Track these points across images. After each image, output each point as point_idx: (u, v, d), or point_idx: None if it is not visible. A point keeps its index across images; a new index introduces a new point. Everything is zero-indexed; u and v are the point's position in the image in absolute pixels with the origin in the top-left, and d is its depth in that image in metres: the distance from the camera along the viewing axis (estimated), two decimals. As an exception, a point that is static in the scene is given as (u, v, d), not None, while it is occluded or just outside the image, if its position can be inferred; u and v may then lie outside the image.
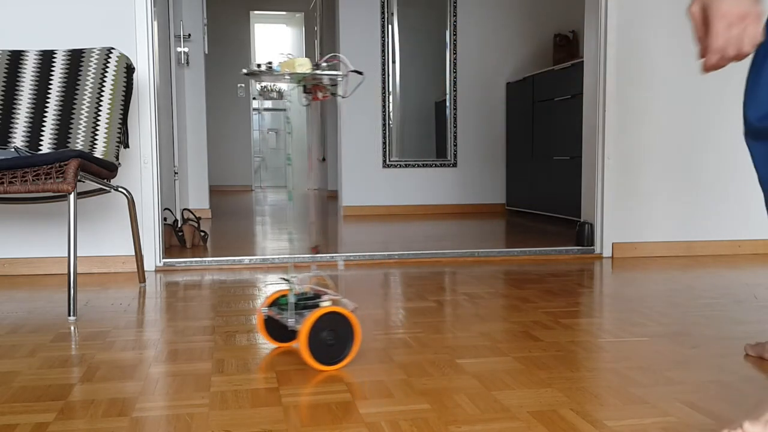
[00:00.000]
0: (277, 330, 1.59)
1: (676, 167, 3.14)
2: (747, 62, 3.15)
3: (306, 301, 1.49)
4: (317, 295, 1.52)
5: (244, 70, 1.39)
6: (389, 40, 5.18)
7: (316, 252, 1.51)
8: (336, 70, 1.41)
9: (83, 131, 2.33)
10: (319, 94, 1.47)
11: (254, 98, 9.44)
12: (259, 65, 1.37)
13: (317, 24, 7.98)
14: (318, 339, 1.40)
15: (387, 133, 5.22)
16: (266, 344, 1.62)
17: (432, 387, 1.30)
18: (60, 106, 2.38)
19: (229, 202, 6.67)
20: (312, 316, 1.39)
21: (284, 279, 1.51)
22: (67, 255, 2.66)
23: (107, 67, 2.42)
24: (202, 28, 4.78)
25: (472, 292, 2.24)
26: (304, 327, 1.38)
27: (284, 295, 1.54)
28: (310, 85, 1.47)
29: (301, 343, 1.39)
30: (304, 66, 1.38)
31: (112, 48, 2.46)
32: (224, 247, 3.21)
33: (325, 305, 1.43)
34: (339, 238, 3.56)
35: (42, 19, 2.60)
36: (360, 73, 1.41)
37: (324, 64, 1.41)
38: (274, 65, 1.39)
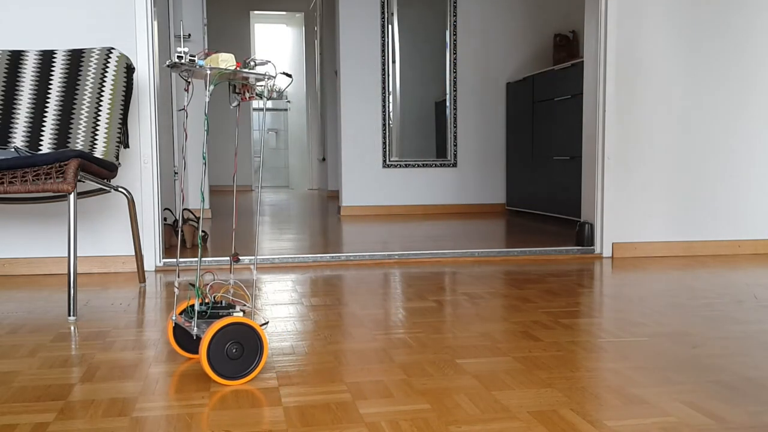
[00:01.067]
0: (187, 339, 1.51)
1: (676, 167, 3.14)
2: (748, 63, 3.16)
3: (217, 311, 1.41)
4: (231, 305, 1.44)
5: (167, 62, 1.32)
6: (389, 40, 5.18)
7: (236, 260, 1.46)
8: (265, 70, 1.37)
9: (83, 131, 2.33)
10: (246, 95, 1.41)
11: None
12: (180, 56, 1.29)
13: (317, 24, 7.98)
14: (220, 351, 1.31)
15: (387, 133, 5.22)
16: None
17: (432, 387, 1.30)
18: (60, 106, 2.38)
19: (229, 202, 6.67)
20: (214, 326, 1.29)
21: (192, 285, 1.44)
22: (67, 255, 2.66)
23: (107, 67, 2.42)
24: (202, 28, 4.78)
25: (472, 292, 2.24)
26: (205, 337, 1.29)
27: (204, 303, 1.45)
28: (239, 85, 1.40)
29: (201, 354, 1.30)
30: (227, 62, 1.32)
31: (112, 48, 2.46)
32: (224, 247, 3.21)
33: (236, 316, 1.34)
34: (339, 238, 3.56)
35: (42, 19, 2.60)
36: (289, 75, 1.38)
37: (252, 63, 1.36)
38: (197, 59, 1.31)
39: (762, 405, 1.20)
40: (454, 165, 5.34)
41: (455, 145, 5.33)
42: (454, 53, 5.29)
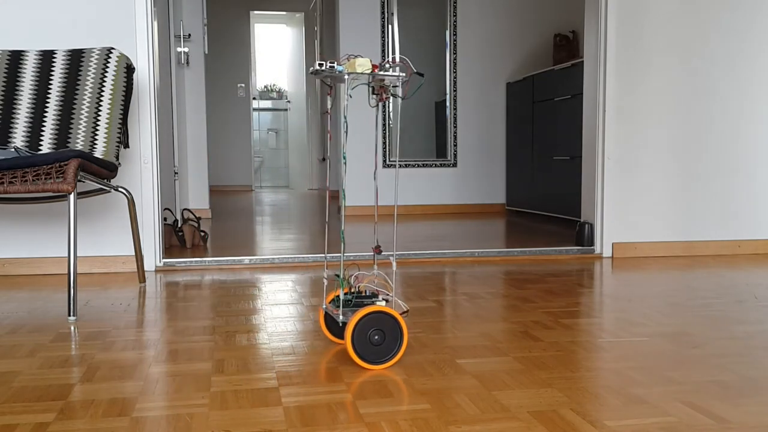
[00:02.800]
0: (335, 326, 1.62)
1: (676, 167, 3.14)
2: (748, 63, 3.16)
3: (361, 300, 1.51)
4: (374, 294, 1.54)
5: (311, 70, 1.43)
6: (389, 40, 5.18)
7: (378, 252, 1.53)
8: (399, 71, 1.44)
9: (83, 131, 2.33)
10: (383, 95, 1.50)
11: (254, 98, 9.44)
12: (321, 64, 1.42)
13: (317, 24, 7.98)
14: (363, 337, 1.41)
15: (387, 133, 5.22)
16: (266, 344, 1.62)
17: (432, 387, 1.30)
18: (60, 106, 2.38)
19: (229, 202, 6.67)
20: (358, 314, 1.40)
21: (337, 276, 1.53)
22: (67, 255, 2.66)
23: (107, 67, 2.42)
24: (202, 28, 4.78)
25: (472, 292, 2.24)
26: (350, 324, 1.40)
27: (350, 293, 1.56)
28: (377, 87, 1.50)
29: (346, 340, 1.41)
30: (363, 66, 1.42)
31: (112, 48, 2.46)
32: (224, 247, 3.22)
33: (380, 305, 1.45)
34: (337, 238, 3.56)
35: (42, 19, 2.60)
36: (421, 75, 1.44)
37: (388, 66, 1.45)
38: (336, 66, 1.43)
39: (762, 405, 1.20)
40: (454, 165, 5.34)
41: (455, 145, 5.33)
42: (454, 53, 5.29)
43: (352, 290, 1.54)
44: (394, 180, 5.26)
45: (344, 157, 1.47)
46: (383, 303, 1.48)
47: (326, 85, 1.50)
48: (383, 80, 1.47)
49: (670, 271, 2.70)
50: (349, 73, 1.42)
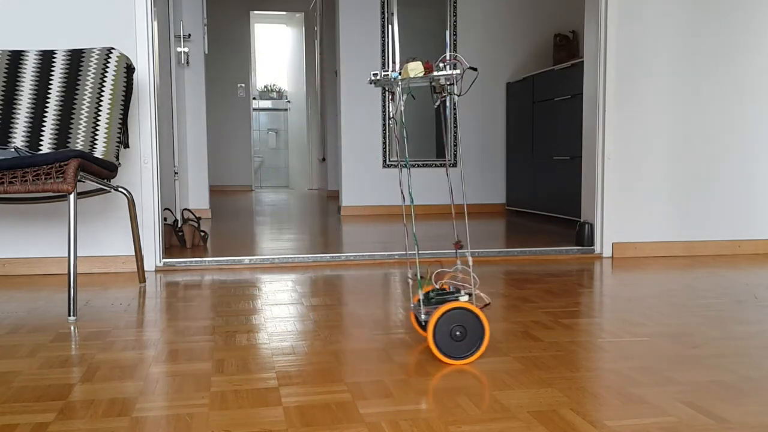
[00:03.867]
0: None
1: (676, 167, 3.14)
2: (748, 62, 3.16)
3: (445, 296, 1.52)
4: (457, 290, 1.55)
5: (368, 80, 1.49)
6: (389, 40, 5.18)
7: (459, 247, 1.55)
8: (454, 68, 1.46)
9: (83, 131, 2.33)
10: (443, 93, 1.53)
11: (254, 98, 9.44)
12: (375, 74, 1.48)
13: (317, 24, 7.98)
14: (444, 333, 1.44)
15: (387, 133, 5.22)
16: (266, 344, 1.62)
17: (432, 387, 1.30)
18: (60, 106, 2.38)
19: (229, 202, 6.67)
20: (438, 311, 1.43)
21: (421, 276, 1.55)
22: (67, 255, 2.66)
23: (107, 67, 2.42)
24: (202, 28, 4.78)
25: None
26: (431, 321, 1.43)
27: (433, 290, 1.57)
28: (437, 86, 1.53)
29: (428, 336, 1.43)
30: (415, 70, 1.45)
31: (112, 48, 2.46)
32: (224, 247, 3.22)
33: (462, 300, 1.47)
34: (341, 238, 3.56)
35: (42, 19, 2.60)
36: (475, 69, 1.46)
37: (441, 65, 1.47)
38: (391, 73, 1.48)
39: (762, 405, 1.20)
40: (454, 165, 5.34)
41: (455, 145, 5.33)
42: (454, 53, 5.28)
43: (439, 287, 1.56)
44: (391, 179, 5.25)
45: (406, 162, 1.49)
46: (465, 298, 1.50)
47: (388, 91, 1.55)
48: (439, 80, 1.49)
49: (670, 271, 2.70)
50: (402, 80, 1.46)
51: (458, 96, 1.47)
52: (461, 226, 4.21)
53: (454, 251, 1.53)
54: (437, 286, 1.57)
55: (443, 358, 1.45)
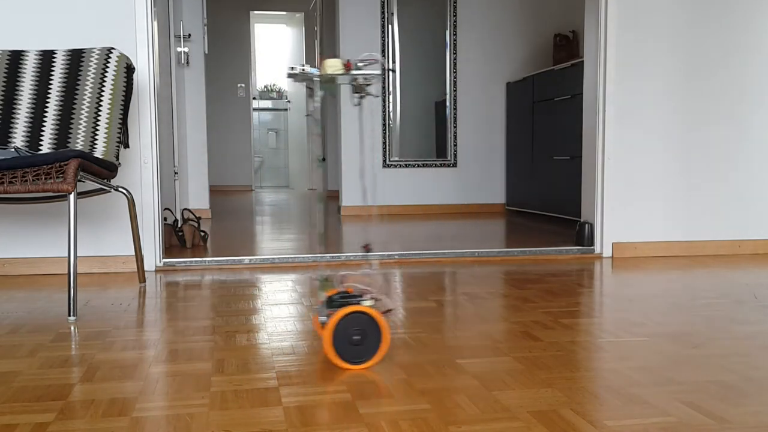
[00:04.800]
0: None
1: (675, 167, 3.14)
2: (748, 62, 3.16)
3: (348, 300, 1.50)
4: (360, 295, 1.53)
5: (287, 72, 1.47)
6: (389, 40, 5.18)
7: (368, 250, 1.53)
8: (372, 69, 1.46)
9: (83, 131, 2.33)
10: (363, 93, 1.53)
11: (254, 98, 9.44)
12: (293, 67, 1.45)
13: (317, 24, 7.98)
14: (343, 337, 1.42)
15: (387, 133, 5.22)
16: (266, 344, 1.62)
17: (432, 387, 1.30)
18: (60, 106, 2.38)
19: (229, 202, 6.67)
20: (336, 315, 1.41)
21: (324, 278, 1.52)
22: (67, 255, 2.66)
23: (107, 67, 2.42)
24: (202, 28, 4.78)
25: (472, 292, 2.24)
26: (329, 324, 1.41)
27: (338, 294, 1.55)
28: (356, 85, 1.52)
29: (324, 340, 1.41)
30: (333, 67, 1.43)
31: (112, 48, 2.46)
32: (224, 247, 3.21)
33: (365, 305, 1.45)
34: (341, 238, 3.56)
35: (42, 19, 2.60)
36: (393, 71, 1.46)
37: (360, 64, 1.46)
38: (309, 68, 1.46)
39: (762, 405, 1.20)
40: (454, 165, 5.34)
41: (455, 145, 5.33)
42: (454, 53, 5.29)
43: (341, 291, 1.52)
44: (391, 179, 5.25)
45: (322, 159, 1.48)
46: (369, 303, 1.47)
47: (308, 87, 1.53)
48: (356, 79, 1.48)
49: (670, 271, 2.70)
50: (318, 76, 1.44)
51: (375, 97, 1.47)
52: (461, 226, 4.22)
53: (368, 253, 1.51)
54: (342, 289, 1.53)
55: (340, 363, 1.41)
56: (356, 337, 1.42)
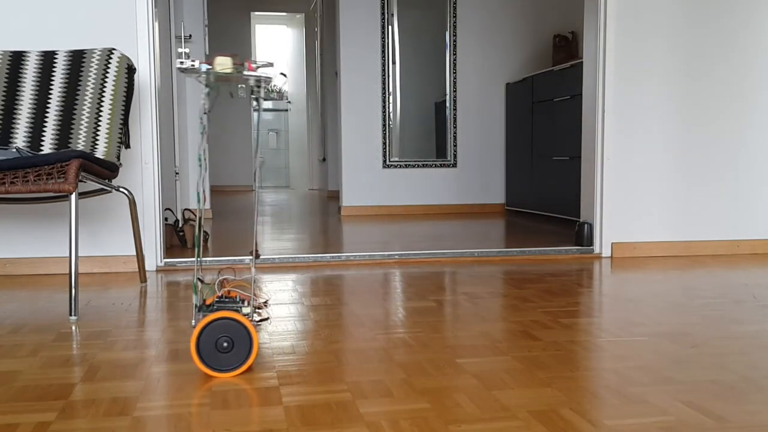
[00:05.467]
0: None
1: (675, 167, 3.14)
2: (748, 63, 3.16)
3: (225, 305, 1.45)
4: (241, 300, 1.47)
5: (177, 66, 1.42)
6: (389, 40, 5.18)
7: (257, 256, 1.49)
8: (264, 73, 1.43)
9: (84, 132, 2.34)
10: (252, 95, 1.51)
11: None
12: (182, 61, 1.40)
13: (317, 25, 7.98)
14: (210, 343, 1.37)
15: (387, 134, 5.23)
16: (267, 344, 1.62)
17: (432, 387, 1.31)
18: (61, 106, 2.39)
19: (229, 202, 6.68)
20: (203, 321, 1.36)
21: (200, 280, 1.48)
22: (68, 255, 2.67)
23: (108, 67, 2.42)
24: (202, 29, 4.78)
25: (472, 292, 2.25)
26: (195, 330, 1.36)
27: (219, 298, 1.49)
28: (248, 87, 1.49)
29: (191, 346, 1.35)
30: (222, 65, 1.41)
31: (114, 49, 2.47)
32: (225, 246, 3.22)
33: (244, 311, 1.40)
34: (339, 238, 3.57)
35: (43, 20, 2.61)
36: (284, 75, 1.45)
37: (254, 65, 1.43)
38: (199, 65, 1.41)
39: (761, 404, 1.20)
40: (454, 165, 5.35)
41: (455, 146, 5.34)
42: (454, 54, 5.29)
43: (221, 296, 1.48)
44: (392, 180, 5.26)
45: (200, 159, 1.44)
46: (248, 309, 1.42)
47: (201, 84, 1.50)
48: (248, 80, 1.45)
49: (669, 271, 2.70)
50: (205, 73, 1.41)
51: (264, 100, 1.45)
52: (460, 226, 4.22)
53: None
54: (220, 294, 1.48)
55: (205, 369, 1.37)
56: (225, 344, 1.37)
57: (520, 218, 4.77)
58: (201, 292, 1.46)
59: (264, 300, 1.49)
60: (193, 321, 1.41)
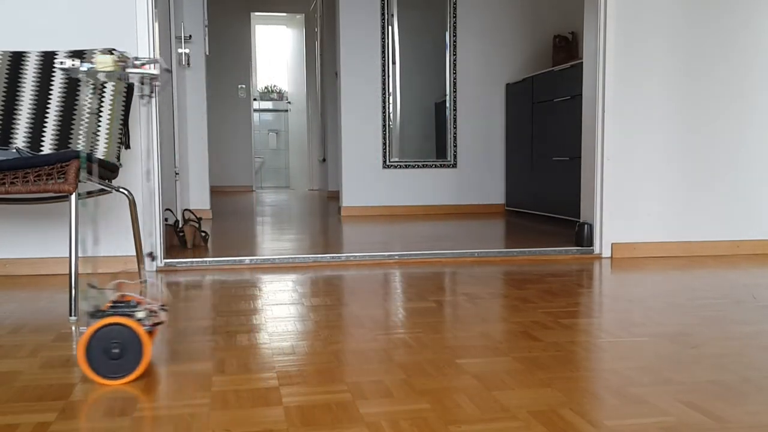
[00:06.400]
0: None
1: (674, 168, 3.14)
2: (748, 64, 3.16)
3: (119, 310, 1.41)
4: (136, 305, 1.43)
5: (58, 65, 1.42)
6: (389, 41, 5.18)
7: (152, 258, 1.46)
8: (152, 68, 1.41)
9: (84, 132, 2.34)
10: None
11: (255, 99, 9.44)
12: (62, 62, 1.40)
13: (317, 25, 7.99)
14: (99, 350, 1.33)
15: (387, 134, 5.23)
16: (267, 344, 1.62)
17: (432, 387, 1.31)
18: (61, 106, 2.39)
19: (229, 202, 6.68)
20: (91, 327, 1.33)
21: (91, 285, 1.46)
22: (68, 255, 2.67)
23: (108, 68, 2.42)
24: (202, 30, 4.78)
25: (472, 292, 2.25)
26: (83, 336, 1.33)
27: (115, 303, 1.46)
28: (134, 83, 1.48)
29: (77, 353, 1.31)
30: (103, 63, 1.39)
31: (114, 49, 2.47)
32: (225, 247, 3.22)
33: (138, 316, 1.37)
34: (340, 239, 3.57)
35: (43, 20, 2.61)
36: (168, 71, 1.44)
37: (137, 62, 1.41)
38: (81, 63, 1.40)
39: (761, 405, 1.20)
40: (454, 165, 5.35)
41: (455, 146, 5.34)
42: (454, 54, 5.30)
43: (115, 301, 1.45)
44: (392, 180, 5.26)
45: (81, 157, 1.42)
46: (142, 315, 1.39)
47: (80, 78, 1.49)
48: (127, 77, 1.42)
49: (669, 271, 2.70)
50: (85, 72, 1.38)
51: (149, 97, 1.43)
52: (460, 226, 4.22)
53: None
54: (114, 299, 1.45)
55: (94, 377, 1.34)
56: (115, 351, 1.33)
57: (520, 218, 4.77)
58: (92, 297, 1.41)
59: (161, 304, 1.46)
60: (81, 327, 1.35)
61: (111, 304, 1.43)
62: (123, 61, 1.39)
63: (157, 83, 1.42)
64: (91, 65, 1.39)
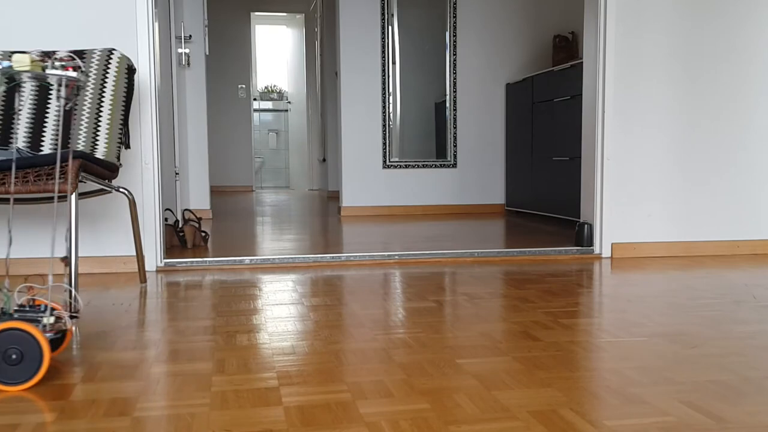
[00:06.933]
0: None
1: (675, 168, 3.14)
2: (748, 63, 3.16)
3: (25, 314, 1.38)
4: (46, 309, 1.40)
5: None
6: (389, 41, 5.18)
7: (66, 264, 1.44)
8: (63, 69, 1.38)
9: (84, 132, 2.34)
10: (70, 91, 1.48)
11: (255, 99, 9.45)
12: None
13: (317, 25, 7.98)
14: None
15: (387, 134, 5.23)
16: (267, 344, 1.62)
17: (432, 387, 1.31)
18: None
19: (229, 202, 6.68)
20: None
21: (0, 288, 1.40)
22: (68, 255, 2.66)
23: (108, 68, 2.42)
24: (202, 29, 4.78)
25: (472, 292, 2.25)
26: None
27: (24, 306, 1.42)
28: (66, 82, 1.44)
29: None
30: (19, 63, 1.36)
31: (114, 49, 2.47)
32: (225, 247, 3.22)
33: (48, 320, 1.34)
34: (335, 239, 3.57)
35: (43, 20, 2.61)
36: (81, 69, 1.42)
37: (58, 63, 1.39)
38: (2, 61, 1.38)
39: (761, 405, 1.20)
40: (454, 165, 5.35)
41: (455, 146, 5.34)
42: (454, 54, 5.30)
43: (22, 304, 1.41)
44: (392, 180, 5.26)
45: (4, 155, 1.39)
46: (52, 319, 1.36)
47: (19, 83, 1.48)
48: (45, 78, 1.40)
49: (669, 271, 2.70)
50: (1, 71, 1.35)
51: (67, 100, 1.41)
52: (460, 226, 4.22)
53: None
54: (20, 302, 1.40)
55: None
56: (14, 356, 1.29)
57: (520, 218, 4.77)
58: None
59: (74, 309, 1.43)
60: None
61: (17, 308, 1.39)
62: (42, 60, 1.37)
63: (78, 84, 1.40)
64: (8, 63, 1.37)
